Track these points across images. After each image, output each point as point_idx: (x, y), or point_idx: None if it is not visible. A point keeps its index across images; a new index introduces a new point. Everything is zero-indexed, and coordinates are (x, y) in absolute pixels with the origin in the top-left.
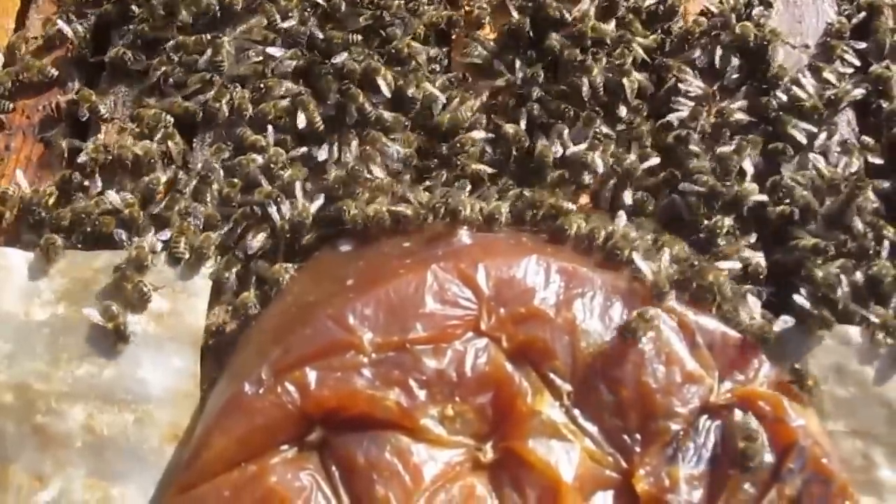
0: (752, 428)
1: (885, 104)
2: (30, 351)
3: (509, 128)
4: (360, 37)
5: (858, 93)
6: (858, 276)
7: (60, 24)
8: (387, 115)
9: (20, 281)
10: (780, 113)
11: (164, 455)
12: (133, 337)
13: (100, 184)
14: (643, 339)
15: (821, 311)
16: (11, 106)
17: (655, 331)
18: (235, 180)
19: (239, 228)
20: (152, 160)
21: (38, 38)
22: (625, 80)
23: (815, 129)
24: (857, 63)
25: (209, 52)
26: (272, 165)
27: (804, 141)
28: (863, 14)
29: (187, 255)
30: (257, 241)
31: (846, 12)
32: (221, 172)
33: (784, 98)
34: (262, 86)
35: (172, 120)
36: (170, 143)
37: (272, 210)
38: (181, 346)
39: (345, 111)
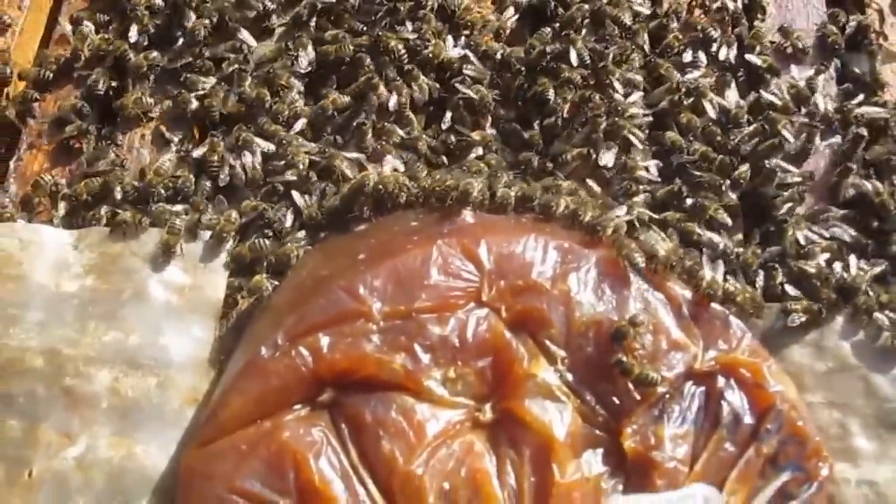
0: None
1: None
2: (60, 319)
3: None
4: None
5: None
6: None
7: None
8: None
9: (52, 255)
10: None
11: (183, 416)
12: (159, 303)
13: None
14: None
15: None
16: (37, 96)
17: (643, 331)
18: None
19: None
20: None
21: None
22: None
23: None
24: None
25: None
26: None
27: None
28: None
29: (208, 237)
30: (287, 218)
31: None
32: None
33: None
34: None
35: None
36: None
37: (296, 195)
38: (201, 317)
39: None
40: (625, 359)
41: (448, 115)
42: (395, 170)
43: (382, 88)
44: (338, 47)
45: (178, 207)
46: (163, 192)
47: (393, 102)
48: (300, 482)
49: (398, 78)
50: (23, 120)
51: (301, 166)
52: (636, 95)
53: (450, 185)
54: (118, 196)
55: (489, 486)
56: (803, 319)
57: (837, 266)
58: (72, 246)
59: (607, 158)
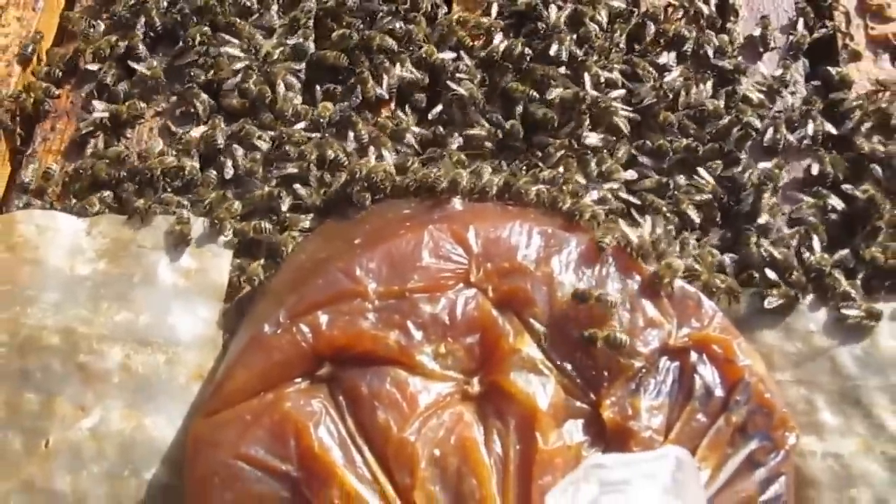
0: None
1: None
2: (74, 300)
3: None
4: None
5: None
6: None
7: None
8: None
9: (67, 241)
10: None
11: (190, 391)
12: (167, 285)
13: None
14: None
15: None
16: (58, 92)
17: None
18: (258, 155)
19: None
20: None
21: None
22: None
23: None
24: None
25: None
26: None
27: None
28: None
29: (212, 224)
30: (285, 204)
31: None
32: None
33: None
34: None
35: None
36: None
37: (297, 186)
38: (206, 298)
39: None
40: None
41: (438, 108)
42: (382, 159)
43: (372, 82)
44: (335, 55)
45: (184, 199)
46: (169, 181)
47: (384, 87)
48: (301, 449)
49: (387, 62)
50: (37, 114)
51: (302, 157)
52: (617, 92)
53: (440, 176)
54: (124, 183)
55: (477, 452)
56: (780, 303)
57: (806, 252)
58: (85, 232)
59: (593, 139)
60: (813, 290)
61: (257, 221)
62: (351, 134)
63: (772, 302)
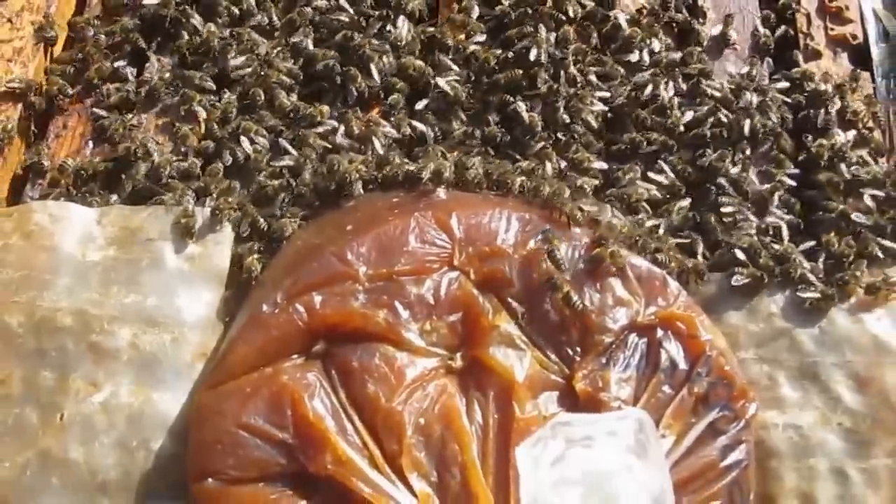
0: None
1: None
2: (86, 284)
3: None
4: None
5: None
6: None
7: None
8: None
9: (78, 229)
10: None
11: (195, 369)
12: (173, 270)
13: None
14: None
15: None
16: (71, 91)
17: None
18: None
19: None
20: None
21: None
22: None
23: None
24: None
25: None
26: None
27: None
28: (783, 28)
29: (215, 213)
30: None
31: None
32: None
33: None
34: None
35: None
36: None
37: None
38: (209, 282)
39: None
40: (557, 279)
41: (424, 102)
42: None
43: (360, 78)
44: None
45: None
46: (175, 174)
47: (374, 74)
48: (296, 417)
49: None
50: (52, 110)
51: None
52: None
53: (424, 167)
54: (136, 175)
55: (459, 421)
56: (746, 282)
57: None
58: (95, 221)
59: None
60: (779, 274)
61: (254, 217)
62: (342, 128)
63: (739, 280)
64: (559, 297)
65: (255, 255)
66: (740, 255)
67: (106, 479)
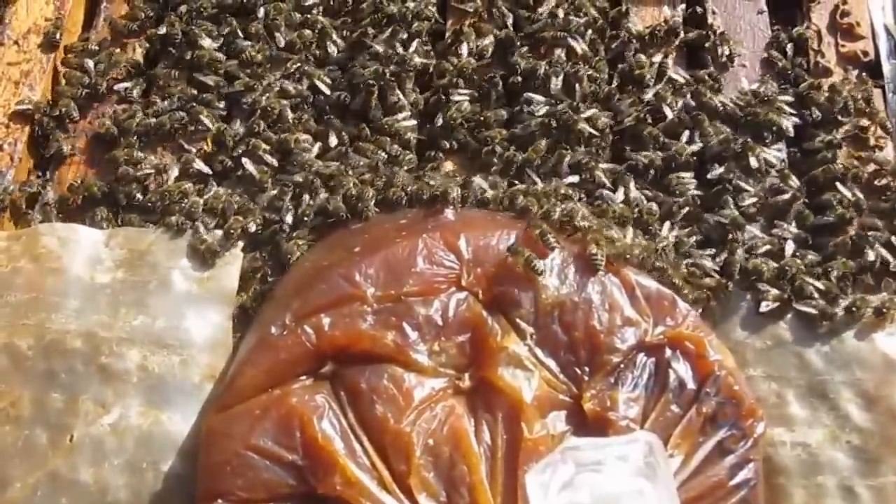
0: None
1: None
2: (95, 306)
3: None
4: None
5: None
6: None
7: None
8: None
9: (87, 251)
10: None
11: (203, 390)
12: (181, 292)
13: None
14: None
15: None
16: (77, 116)
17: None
18: (266, 168)
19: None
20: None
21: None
22: None
23: None
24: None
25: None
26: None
27: None
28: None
29: (223, 235)
30: (289, 215)
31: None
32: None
33: None
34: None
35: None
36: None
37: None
38: (218, 304)
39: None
40: (515, 243)
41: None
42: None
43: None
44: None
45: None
46: (182, 194)
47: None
48: (306, 440)
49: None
50: (60, 130)
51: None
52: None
53: (433, 187)
54: (143, 197)
55: (468, 441)
56: (775, 306)
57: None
58: (103, 243)
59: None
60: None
61: (253, 255)
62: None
63: (767, 305)
64: (520, 261)
65: (249, 295)
66: (763, 286)
67: (115, 500)
